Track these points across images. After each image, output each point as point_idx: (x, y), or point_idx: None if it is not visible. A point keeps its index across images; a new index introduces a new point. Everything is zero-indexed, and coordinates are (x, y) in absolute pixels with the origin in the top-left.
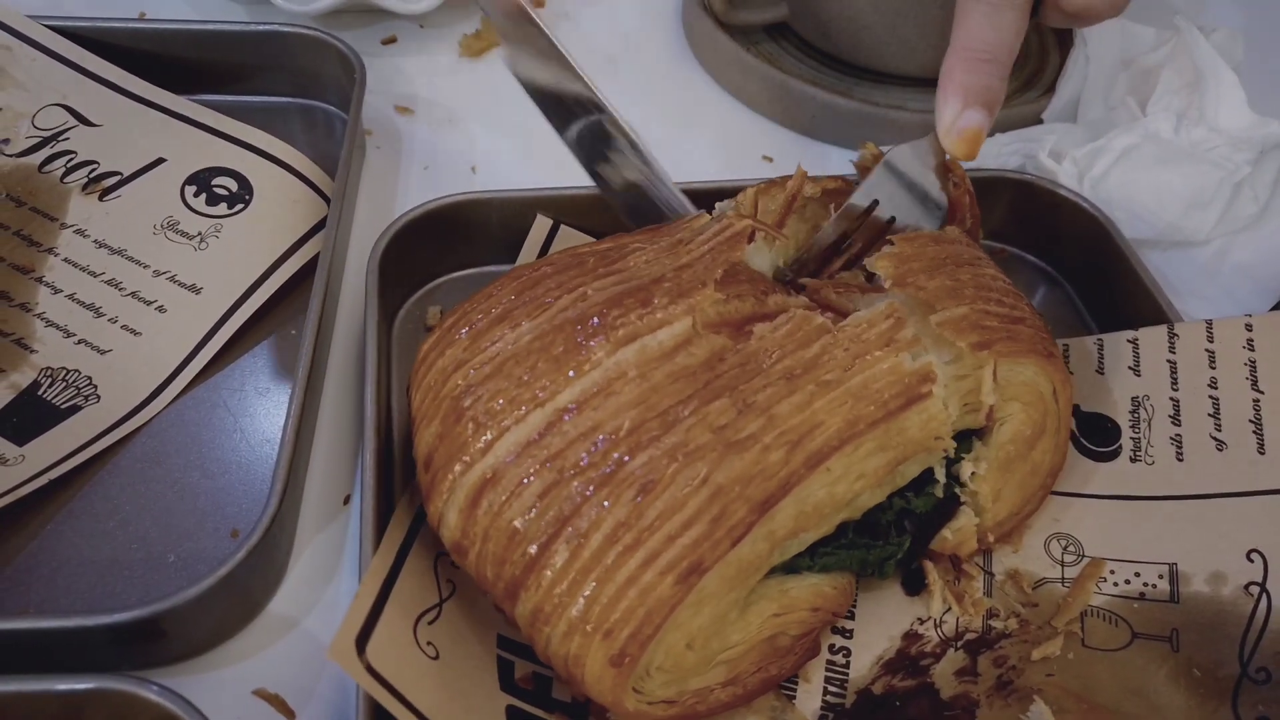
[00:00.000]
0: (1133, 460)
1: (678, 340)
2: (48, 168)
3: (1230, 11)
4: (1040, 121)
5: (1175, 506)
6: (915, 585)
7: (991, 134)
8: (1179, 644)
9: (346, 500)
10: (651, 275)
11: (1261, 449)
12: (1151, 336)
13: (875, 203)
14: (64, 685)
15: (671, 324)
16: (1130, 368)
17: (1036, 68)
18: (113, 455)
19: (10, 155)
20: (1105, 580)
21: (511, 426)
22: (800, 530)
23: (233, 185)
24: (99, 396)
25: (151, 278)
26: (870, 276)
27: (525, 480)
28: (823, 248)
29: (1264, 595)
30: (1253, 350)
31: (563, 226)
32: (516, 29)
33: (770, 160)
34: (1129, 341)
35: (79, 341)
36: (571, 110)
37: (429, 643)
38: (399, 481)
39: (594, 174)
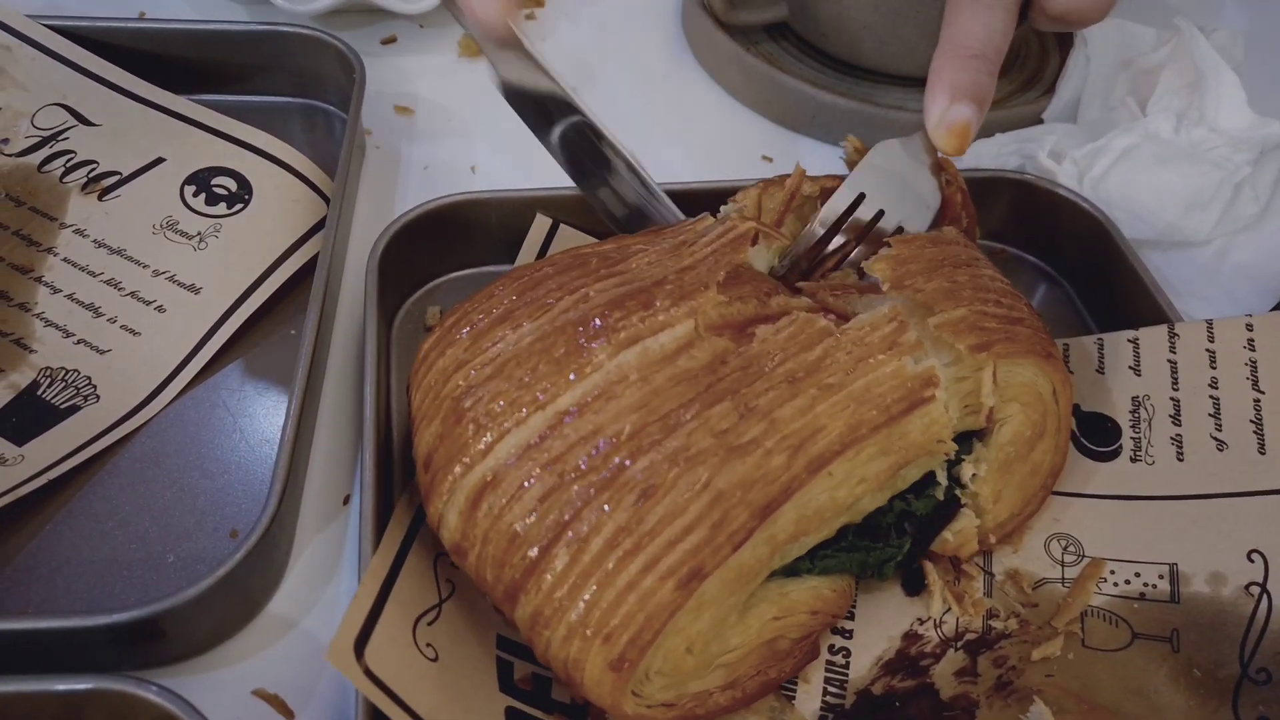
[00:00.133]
0: (1133, 460)
1: (679, 343)
2: (47, 167)
3: (1235, 12)
4: (1040, 122)
5: (1176, 506)
6: (915, 586)
7: (990, 134)
8: (1179, 644)
9: (346, 500)
10: (654, 277)
11: (1262, 449)
12: (1152, 336)
13: (862, 197)
14: (63, 685)
15: (673, 326)
16: (1130, 367)
17: (1036, 68)
18: (112, 455)
19: (9, 155)
20: (1105, 580)
21: (512, 429)
22: (801, 534)
23: (232, 185)
24: (98, 396)
25: (151, 278)
26: (863, 274)
27: (526, 483)
28: (812, 243)
29: (1264, 595)
30: (1253, 350)
31: (562, 226)
32: (502, 50)
33: (770, 160)
34: (1129, 341)
35: (78, 341)
36: (557, 124)
37: (428, 644)
38: (398, 481)
39: (583, 187)
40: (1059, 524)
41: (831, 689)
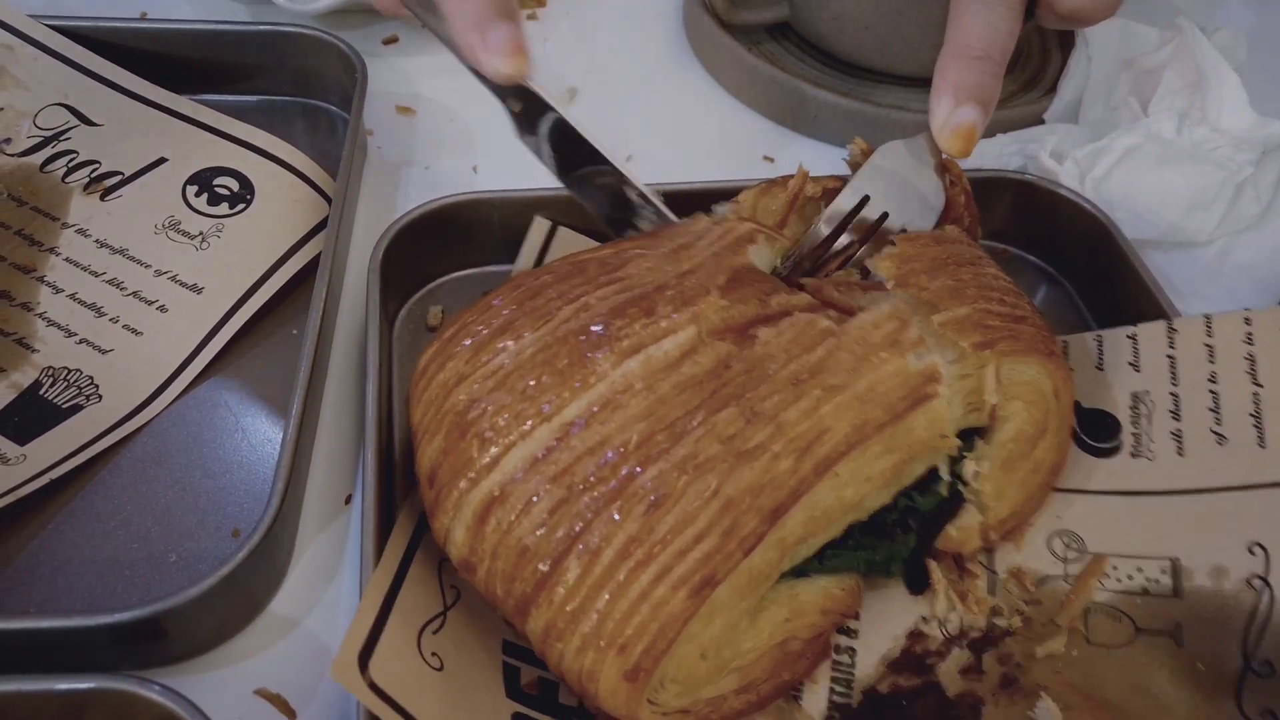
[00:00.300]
0: (1134, 456)
1: (683, 349)
2: (49, 167)
3: (1238, 11)
4: (1042, 122)
5: (1177, 501)
6: (919, 585)
7: (992, 134)
8: (1183, 639)
9: (348, 500)
10: (654, 283)
11: (1261, 442)
12: (1151, 332)
13: (866, 198)
14: (65, 685)
15: (676, 333)
16: (1130, 363)
17: (1038, 68)
18: (114, 455)
19: (12, 155)
20: (1108, 576)
21: (518, 442)
22: (810, 535)
23: (234, 185)
24: (100, 396)
25: (153, 277)
26: (866, 274)
27: (534, 497)
28: (816, 244)
29: (1266, 588)
30: (1252, 344)
31: (561, 228)
32: (518, 100)
33: (771, 160)
34: (1128, 338)
35: (80, 341)
36: (541, 126)
37: (433, 653)
38: (400, 481)
39: (569, 186)
40: (1061, 521)
41: (838, 689)
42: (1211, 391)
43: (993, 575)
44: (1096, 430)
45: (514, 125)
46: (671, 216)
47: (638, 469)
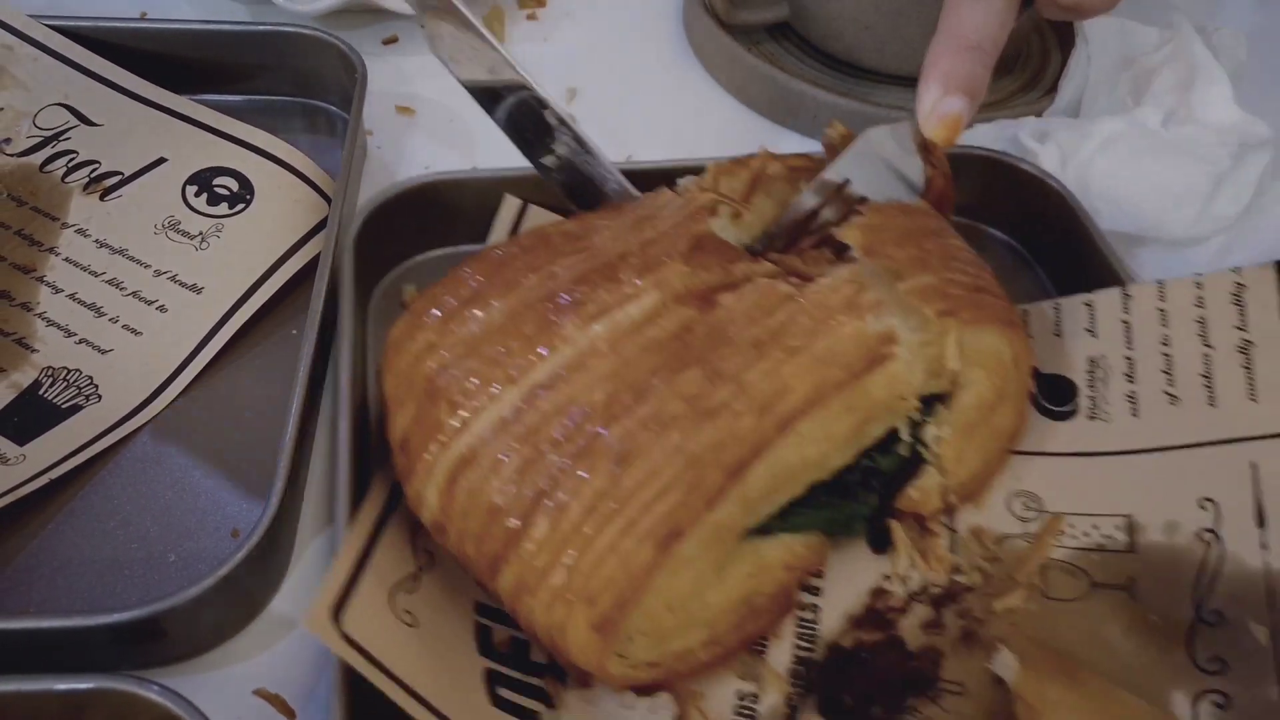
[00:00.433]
0: (1090, 418)
1: (646, 314)
2: (49, 167)
3: (1242, 12)
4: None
5: (1131, 460)
6: (882, 544)
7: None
8: (1136, 592)
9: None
10: (618, 251)
11: (1212, 401)
12: (1106, 298)
13: (847, 181)
14: (64, 685)
15: (640, 298)
16: (1087, 329)
17: (1038, 68)
18: (114, 455)
19: (11, 155)
20: (1065, 534)
21: (487, 405)
22: (772, 492)
23: (234, 185)
24: (100, 396)
25: (153, 277)
26: (839, 250)
27: (503, 456)
28: (793, 222)
29: (1216, 541)
30: (1203, 307)
31: (531, 206)
32: (440, 21)
33: None
34: (1085, 304)
35: (80, 341)
36: (502, 96)
37: (406, 610)
38: (375, 456)
39: (532, 159)
40: (1020, 482)
41: (802, 644)
42: (1164, 354)
43: (953, 534)
44: (1055, 394)
45: (429, 42)
46: (619, 177)
47: (603, 428)
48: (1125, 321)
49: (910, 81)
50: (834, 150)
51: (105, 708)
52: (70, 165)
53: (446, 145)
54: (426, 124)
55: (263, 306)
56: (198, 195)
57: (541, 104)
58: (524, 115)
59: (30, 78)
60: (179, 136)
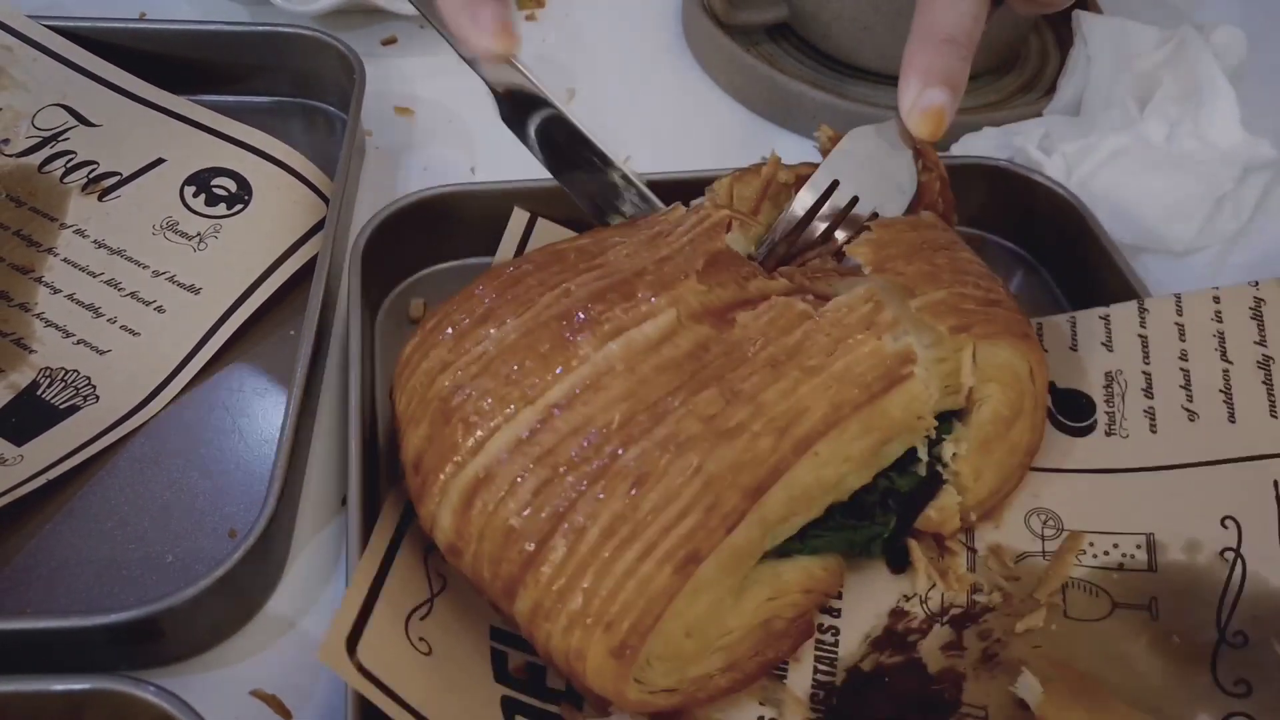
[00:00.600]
0: (1108, 434)
1: (663, 332)
2: (48, 168)
3: (1229, 9)
4: None
5: (1151, 478)
6: (900, 563)
7: (979, 128)
8: (1158, 612)
9: (345, 500)
10: (633, 269)
11: (1232, 418)
12: (1123, 312)
13: (836, 183)
14: (61, 685)
15: (655, 316)
16: (1103, 343)
17: (1037, 69)
18: (111, 455)
19: (10, 155)
20: (1085, 552)
21: (502, 425)
22: (791, 515)
23: (232, 186)
24: (98, 397)
25: (151, 278)
26: (841, 258)
27: (519, 478)
28: (788, 228)
29: (1239, 560)
30: (1221, 322)
31: (540, 219)
32: (504, 80)
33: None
34: (1101, 318)
35: (78, 342)
36: (532, 117)
37: (421, 638)
38: (384, 472)
39: (562, 180)
40: (1038, 499)
41: (822, 667)
42: (1183, 369)
43: (972, 553)
44: (1071, 410)
45: (499, 108)
46: (656, 201)
47: (620, 448)
48: (1142, 336)
49: None
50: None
51: (103, 708)
52: (69, 166)
53: (445, 146)
54: (425, 125)
55: (261, 307)
56: (196, 196)
57: (606, 163)
58: (591, 175)
59: (29, 78)
60: (177, 137)
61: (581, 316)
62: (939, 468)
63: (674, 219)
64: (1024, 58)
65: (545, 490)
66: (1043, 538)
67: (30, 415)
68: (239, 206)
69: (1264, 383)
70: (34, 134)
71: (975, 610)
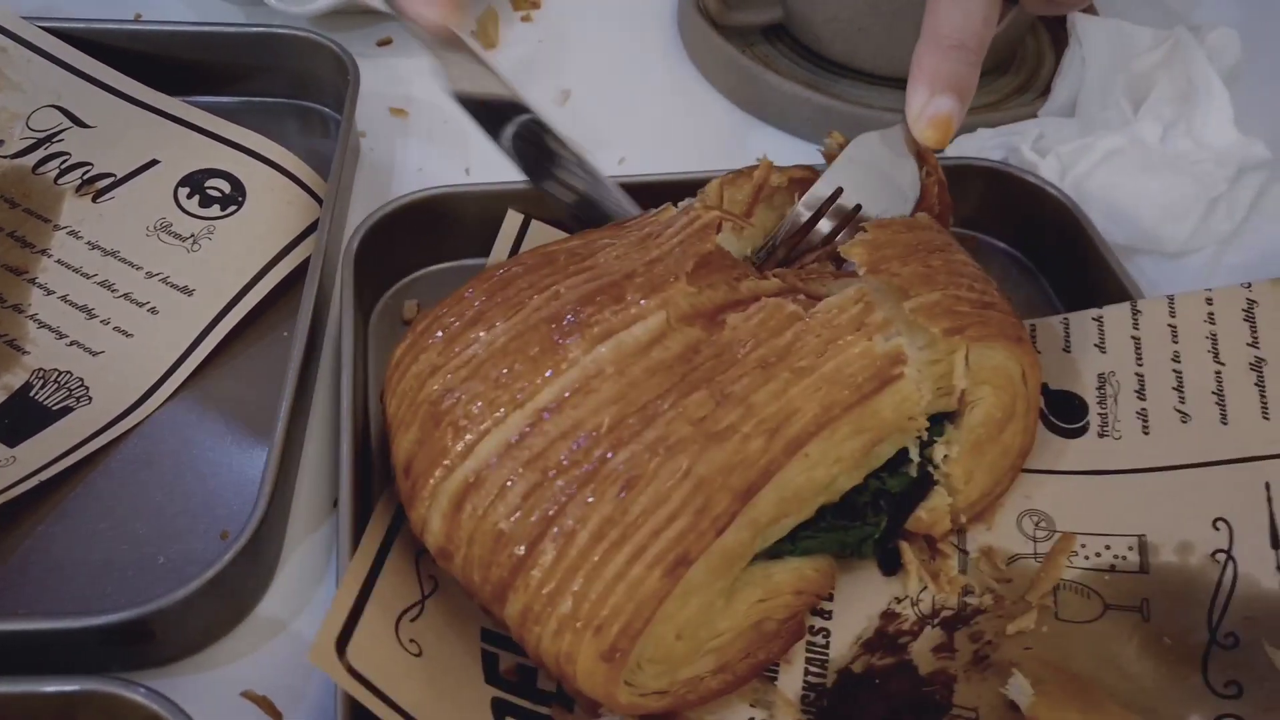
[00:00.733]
0: (1100, 436)
1: (652, 334)
2: (42, 169)
3: (1228, 9)
4: None
5: (1143, 479)
6: (892, 565)
7: (974, 129)
8: (1150, 614)
9: (337, 502)
10: (623, 271)
11: (1224, 419)
12: (1116, 314)
13: (840, 190)
14: (51, 687)
15: (645, 318)
16: (1096, 345)
17: (1032, 71)
18: (104, 457)
19: (4, 156)
20: (1076, 554)
21: (491, 429)
22: (782, 516)
23: (226, 187)
24: (91, 398)
25: (144, 279)
26: (839, 263)
27: (509, 482)
28: (790, 234)
29: (1230, 562)
30: (1213, 324)
31: (533, 221)
32: (447, 52)
33: None
34: (1094, 320)
35: (71, 343)
36: (507, 123)
37: (411, 640)
38: (377, 475)
39: (537, 183)
40: (1030, 501)
41: (813, 669)
42: (1175, 371)
43: (964, 554)
44: (1064, 411)
45: (445, 78)
46: (627, 202)
47: (610, 452)
48: (1135, 338)
49: (904, 83)
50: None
51: (94, 710)
52: (63, 167)
53: (439, 147)
54: (420, 126)
55: (254, 309)
56: (190, 197)
57: (545, 129)
58: (530, 142)
59: (24, 79)
60: (171, 138)
61: (571, 319)
62: (930, 469)
63: (664, 220)
64: (1019, 59)
65: (535, 494)
66: (1035, 539)
67: (23, 417)
68: (233, 208)
69: (1256, 384)
70: (28, 135)
71: (967, 612)
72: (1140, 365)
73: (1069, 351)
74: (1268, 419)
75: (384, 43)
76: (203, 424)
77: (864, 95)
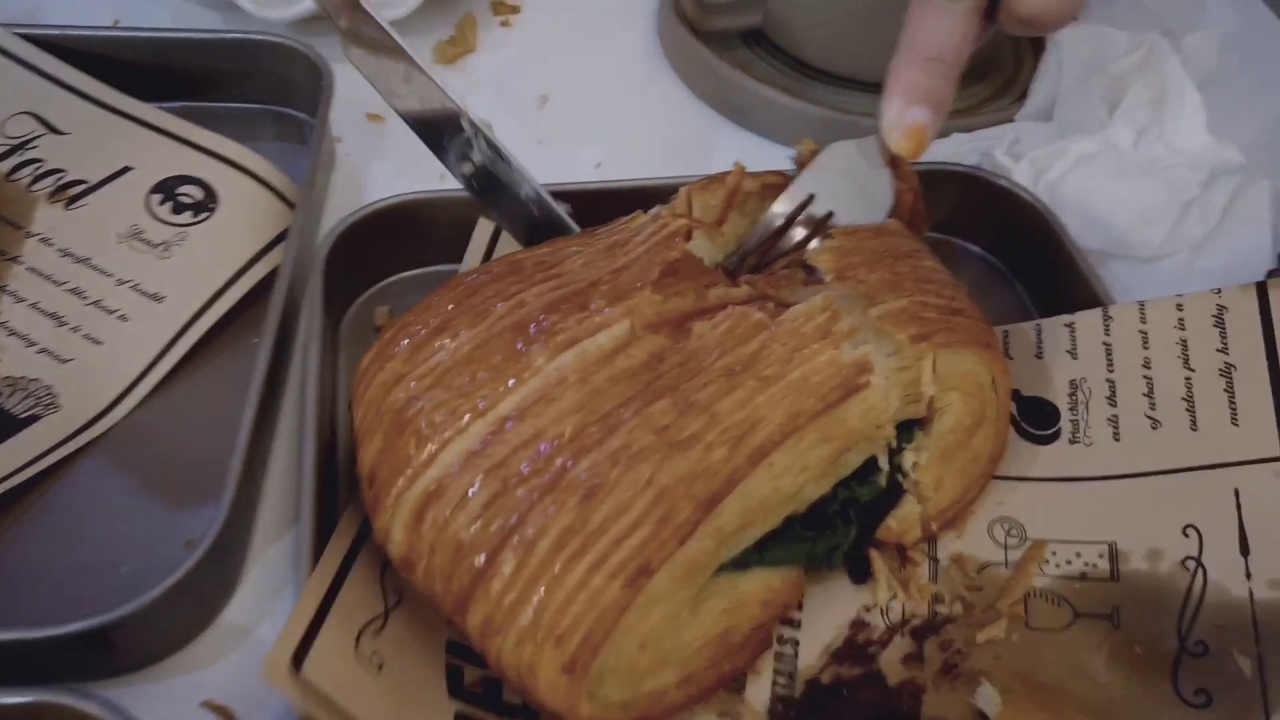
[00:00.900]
0: (1072, 442)
1: (617, 343)
2: (15, 175)
3: (1224, 13)
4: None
5: (1114, 486)
6: (862, 574)
7: (949, 134)
8: (1120, 621)
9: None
10: (589, 278)
11: (1194, 426)
12: (1087, 320)
13: (812, 196)
14: (5, 699)
15: (610, 327)
16: (1068, 351)
17: (1010, 75)
18: (70, 464)
19: None
20: (1047, 562)
21: (454, 438)
22: (747, 526)
23: (198, 194)
24: (58, 406)
25: (115, 286)
26: (810, 270)
27: (470, 491)
28: (761, 240)
29: (1200, 569)
30: (1184, 330)
31: (504, 232)
32: (356, 25)
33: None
34: (1065, 326)
35: (40, 351)
36: (415, 104)
37: (373, 653)
38: (344, 482)
39: (449, 166)
40: (1002, 508)
41: (781, 679)
42: (1146, 377)
43: (934, 562)
44: (1036, 418)
45: (342, 43)
46: (526, 175)
47: (571, 461)
48: (1106, 344)
49: (881, 88)
50: (804, 167)
51: None
52: (36, 174)
53: (416, 153)
54: (396, 131)
55: (225, 316)
56: (162, 204)
57: (455, 111)
58: (439, 122)
59: None
60: (145, 145)
61: (535, 327)
62: (899, 477)
63: (633, 228)
64: (997, 64)
65: (495, 503)
66: (1005, 547)
67: None
68: (205, 214)
69: (1225, 390)
70: (2, 142)
71: (936, 621)
72: (1111, 371)
73: (1041, 358)
74: (1237, 425)
75: None
76: (171, 432)
77: (842, 100)
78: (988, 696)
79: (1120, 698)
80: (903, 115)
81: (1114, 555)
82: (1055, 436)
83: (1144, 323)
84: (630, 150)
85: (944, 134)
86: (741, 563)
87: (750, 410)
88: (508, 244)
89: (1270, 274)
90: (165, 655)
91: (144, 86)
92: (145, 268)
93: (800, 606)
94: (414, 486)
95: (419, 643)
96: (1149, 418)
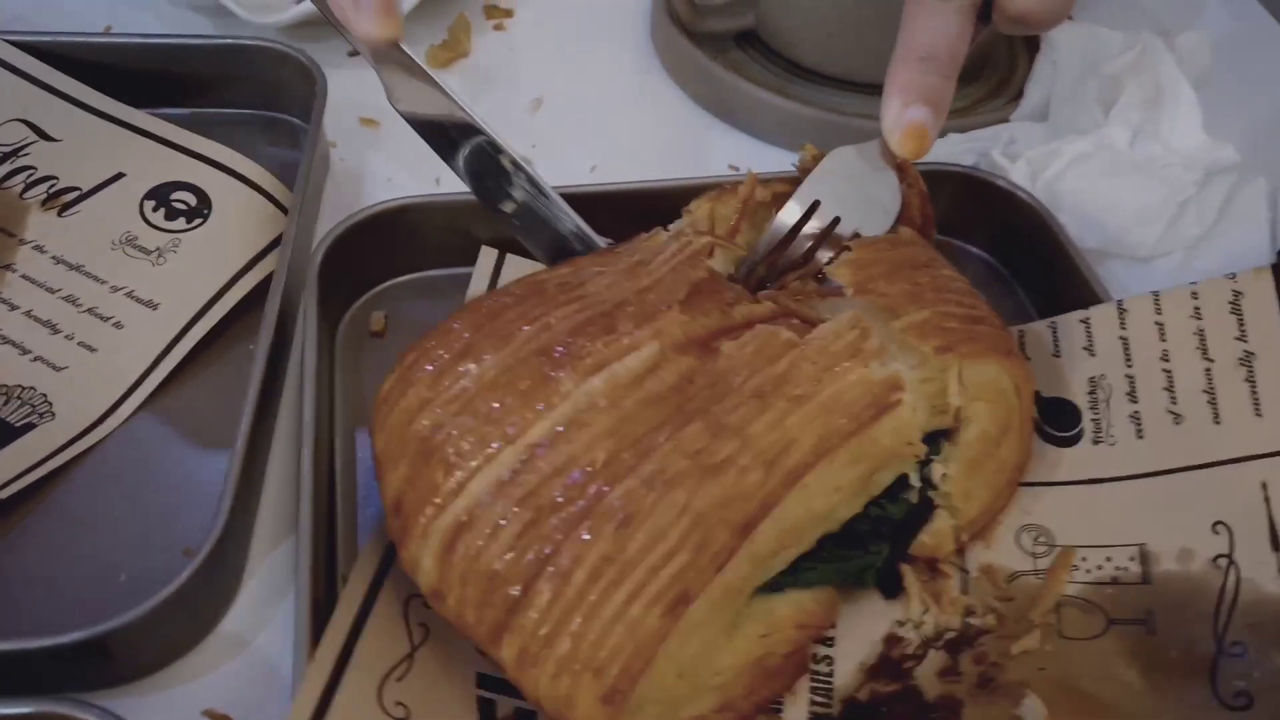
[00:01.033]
0: (1095, 443)
1: (646, 365)
2: (7, 183)
3: (1216, 12)
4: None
5: (1139, 485)
6: (893, 589)
7: (945, 134)
8: (1155, 626)
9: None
10: (614, 300)
11: (1217, 419)
12: (1102, 314)
13: (817, 203)
14: (3, 710)
15: (639, 349)
16: (1085, 348)
17: (1005, 74)
18: (66, 472)
19: None
20: (1077, 568)
21: (483, 466)
22: (782, 549)
23: (192, 200)
24: (54, 414)
25: (109, 293)
26: (823, 280)
27: (502, 520)
28: (769, 249)
29: (1232, 567)
30: (1200, 319)
31: (509, 256)
32: (392, 68)
33: (735, 169)
34: (1081, 322)
35: (35, 359)
36: (457, 143)
37: (398, 703)
38: (341, 489)
39: (489, 205)
40: (1029, 515)
41: (818, 699)
42: (1165, 370)
43: (964, 574)
44: (1058, 419)
45: (386, 92)
46: (575, 218)
47: (605, 487)
48: (1123, 338)
49: (875, 90)
50: (809, 173)
51: None
52: (29, 181)
53: (410, 158)
54: (390, 136)
55: (220, 322)
56: (155, 210)
57: (496, 149)
58: (480, 161)
59: None
60: (137, 151)
61: (562, 351)
62: (930, 492)
63: (655, 246)
64: (992, 64)
65: (529, 532)
66: (1034, 555)
67: None
68: (198, 220)
69: (1246, 380)
70: None
71: (970, 633)
72: (1130, 367)
73: (1059, 357)
74: (1260, 416)
75: (355, 53)
76: (168, 439)
77: (835, 101)
78: (1033, 708)
79: (1159, 706)
80: (902, 115)
81: (1145, 557)
82: (1078, 438)
83: (1159, 314)
84: (624, 153)
85: (940, 135)
86: (775, 585)
87: (782, 432)
88: (512, 271)
89: None
90: (164, 664)
91: (136, 92)
92: (139, 274)
93: (834, 624)
94: (443, 515)
95: (448, 679)
96: (1171, 413)
